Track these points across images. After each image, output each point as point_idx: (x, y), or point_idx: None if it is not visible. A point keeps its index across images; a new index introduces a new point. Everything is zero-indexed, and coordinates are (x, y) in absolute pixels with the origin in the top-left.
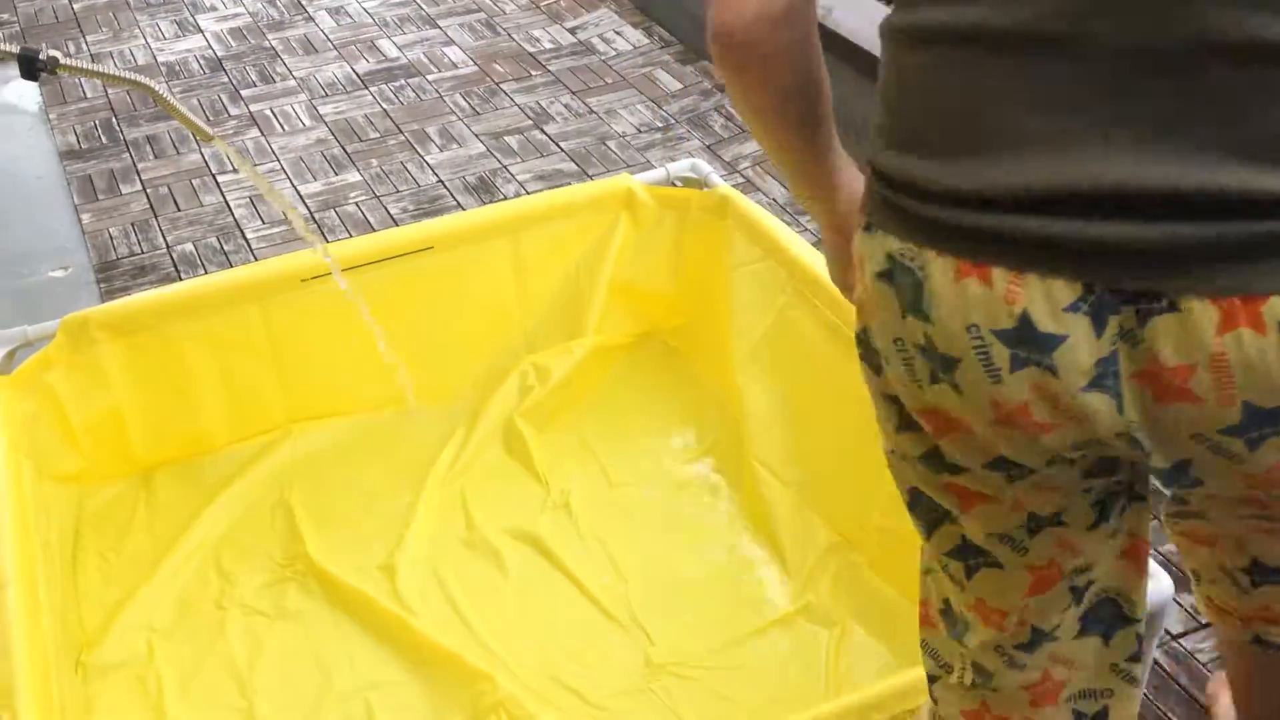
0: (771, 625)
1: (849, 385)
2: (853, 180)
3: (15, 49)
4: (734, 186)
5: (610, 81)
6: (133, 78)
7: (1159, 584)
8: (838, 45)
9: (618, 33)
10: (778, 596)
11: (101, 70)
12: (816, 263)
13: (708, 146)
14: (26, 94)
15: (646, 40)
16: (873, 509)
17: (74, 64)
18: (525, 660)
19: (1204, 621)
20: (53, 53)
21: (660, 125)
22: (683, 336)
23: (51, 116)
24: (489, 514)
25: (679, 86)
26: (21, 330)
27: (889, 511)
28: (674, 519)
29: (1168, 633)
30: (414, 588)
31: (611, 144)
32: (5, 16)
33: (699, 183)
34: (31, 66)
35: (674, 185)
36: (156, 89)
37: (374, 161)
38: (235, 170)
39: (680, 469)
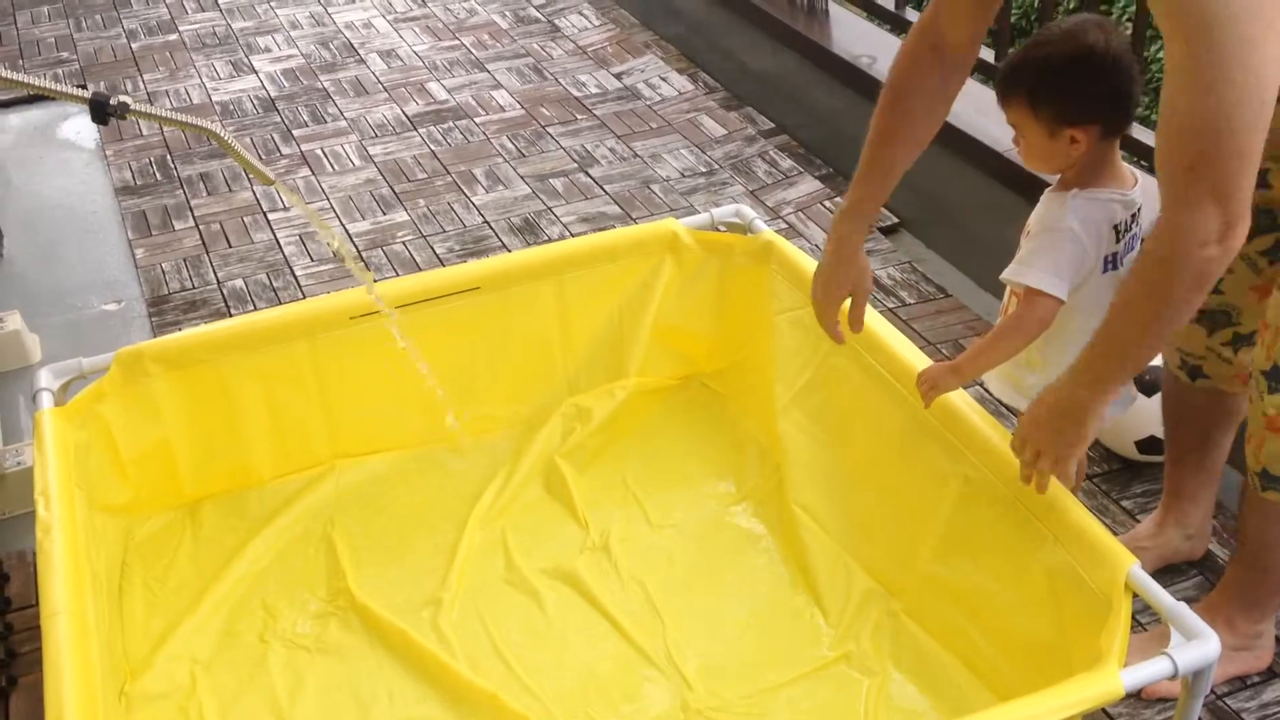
0: (811, 672)
1: (891, 433)
2: None
3: (87, 94)
4: (777, 232)
5: (655, 126)
6: (198, 123)
7: (1207, 645)
8: None
9: (663, 78)
10: (817, 643)
11: (169, 116)
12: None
13: (751, 192)
14: (84, 131)
15: (691, 86)
16: (917, 556)
17: (143, 109)
18: (562, 701)
19: (1250, 681)
20: (123, 98)
21: (704, 170)
22: (724, 380)
23: (108, 153)
24: (529, 553)
25: (723, 132)
26: (76, 362)
27: (935, 558)
28: (713, 563)
29: (1214, 692)
30: (453, 626)
31: (655, 188)
32: (65, 55)
33: (743, 228)
34: (102, 111)
35: (718, 230)
36: (222, 134)
37: (421, 202)
38: (286, 208)
39: (720, 513)
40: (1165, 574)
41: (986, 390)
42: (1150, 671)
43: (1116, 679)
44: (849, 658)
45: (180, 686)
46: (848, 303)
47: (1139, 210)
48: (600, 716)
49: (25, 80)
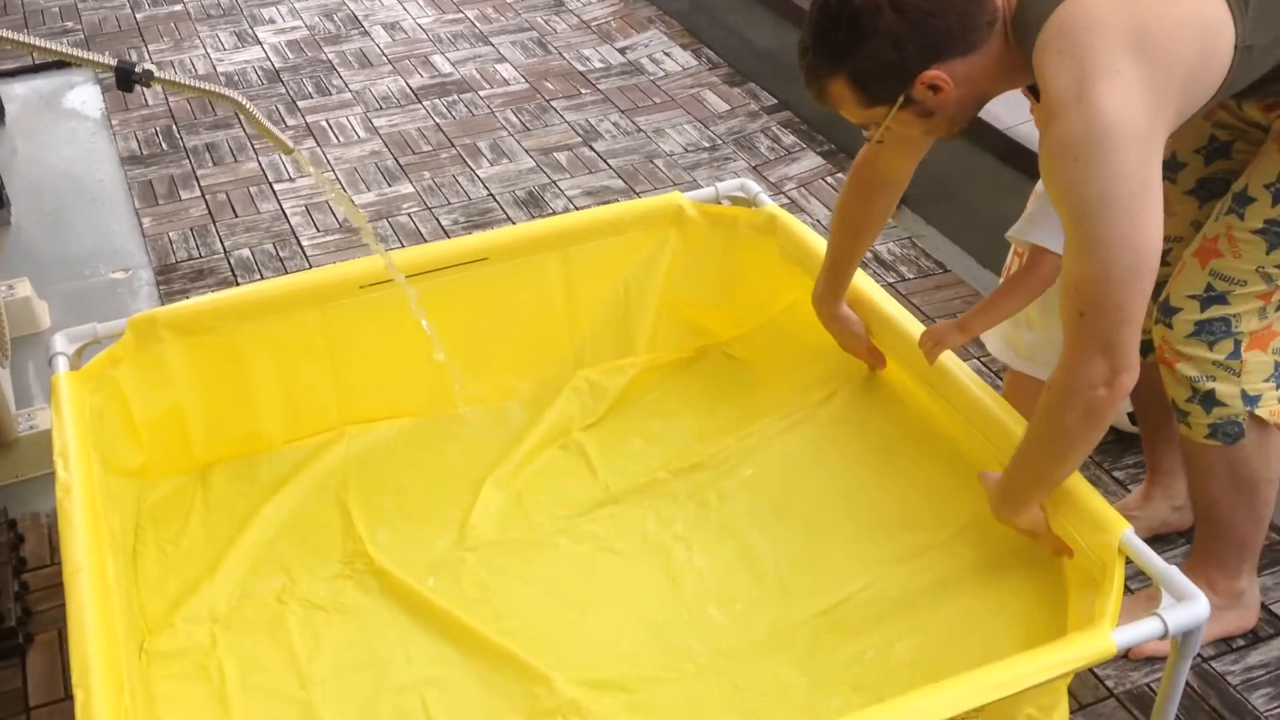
0: (834, 606)
1: (894, 402)
2: None
3: (113, 62)
4: (780, 206)
5: (659, 101)
6: (221, 91)
7: (1196, 606)
8: None
9: (667, 54)
10: (848, 584)
11: (191, 84)
12: (864, 284)
13: (753, 167)
14: (90, 100)
15: (695, 62)
16: (919, 517)
17: (167, 77)
18: (584, 661)
19: (1235, 645)
20: (148, 66)
21: (707, 145)
22: (744, 346)
23: (114, 122)
24: (546, 512)
25: (726, 108)
26: (91, 327)
27: (936, 522)
28: (738, 514)
29: (1200, 655)
30: (472, 585)
31: (659, 162)
32: (70, 24)
33: (747, 202)
34: (127, 79)
35: (722, 204)
36: (243, 102)
37: (426, 174)
38: (292, 179)
39: (744, 465)
40: (1154, 543)
41: (980, 360)
42: (1141, 631)
43: (1108, 638)
44: (872, 585)
45: (200, 644)
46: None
47: None
48: (626, 669)
49: (55, 48)
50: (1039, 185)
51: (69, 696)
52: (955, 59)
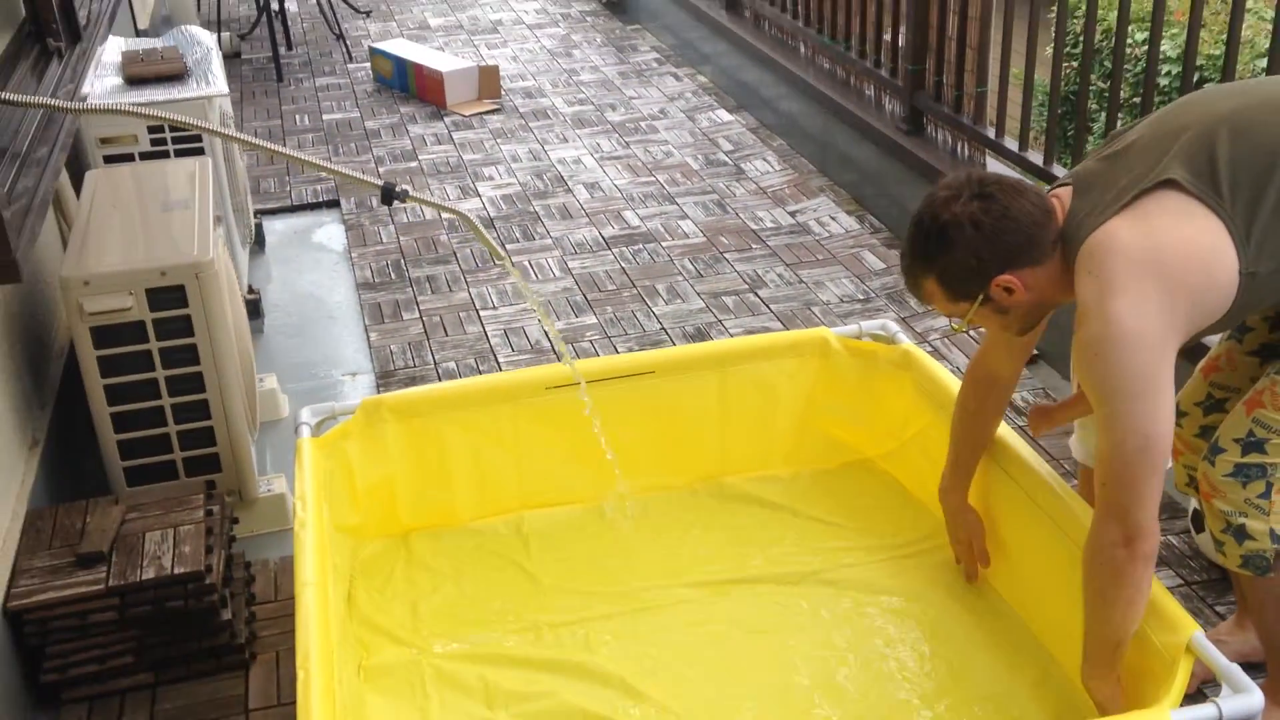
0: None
1: (1019, 528)
2: None
3: (380, 182)
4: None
5: (821, 258)
6: (454, 208)
7: (1251, 697)
8: None
9: (833, 218)
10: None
11: (434, 201)
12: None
13: (902, 319)
14: (335, 236)
15: (858, 226)
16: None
17: (417, 195)
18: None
19: None
20: (404, 186)
21: (861, 297)
22: (895, 461)
23: (353, 255)
24: (700, 590)
25: (883, 266)
26: (330, 405)
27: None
28: (871, 617)
29: None
30: (634, 642)
31: (815, 309)
32: (324, 175)
33: (888, 339)
34: (390, 195)
35: (863, 339)
36: (469, 216)
37: (609, 308)
38: (495, 308)
39: (907, 559)
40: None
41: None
42: (1196, 715)
43: (1166, 714)
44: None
45: (406, 664)
46: None
47: None
48: None
49: (339, 170)
50: None
51: (281, 703)
52: (1026, 269)
